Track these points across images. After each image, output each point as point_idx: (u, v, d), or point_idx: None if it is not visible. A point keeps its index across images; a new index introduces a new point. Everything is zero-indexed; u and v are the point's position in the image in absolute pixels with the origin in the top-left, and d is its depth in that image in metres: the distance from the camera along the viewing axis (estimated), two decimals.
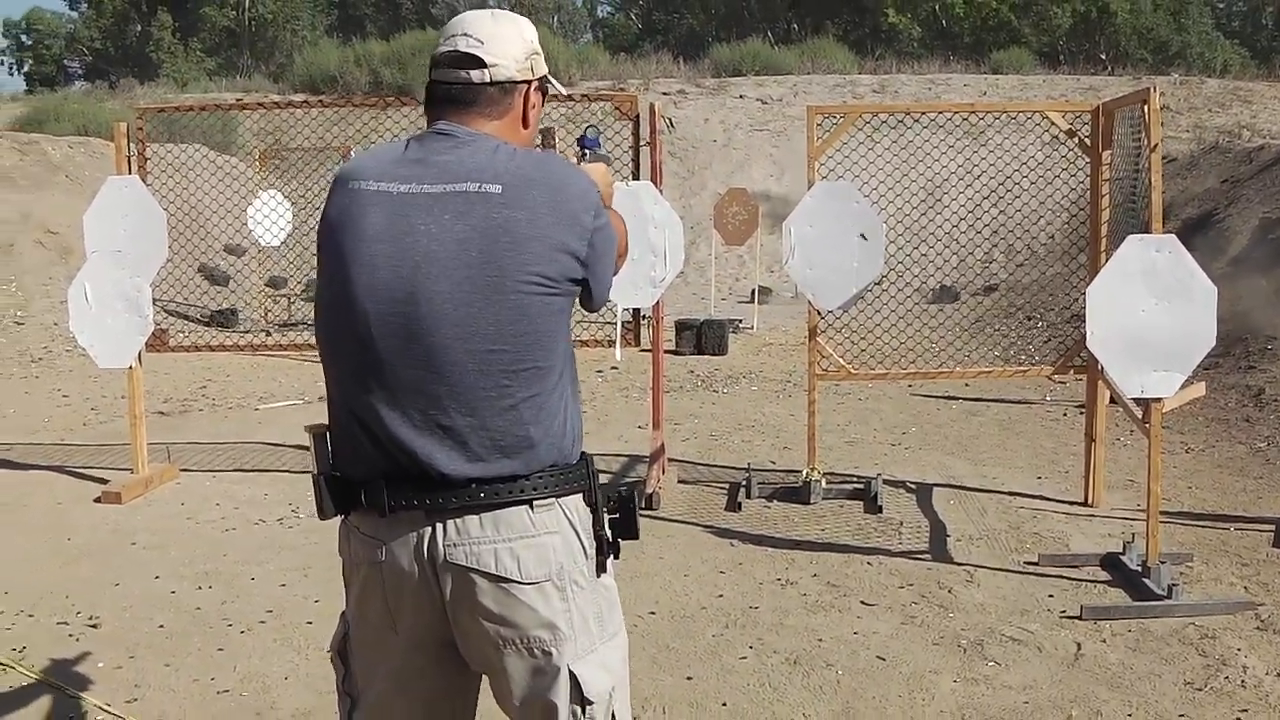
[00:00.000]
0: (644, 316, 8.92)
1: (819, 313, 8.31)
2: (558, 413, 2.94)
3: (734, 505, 8.21)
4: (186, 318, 16.66)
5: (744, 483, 8.50)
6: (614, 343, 8.65)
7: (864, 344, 10.44)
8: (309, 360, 14.08)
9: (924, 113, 10.16)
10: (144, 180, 9.09)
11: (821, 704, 5.22)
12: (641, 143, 8.76)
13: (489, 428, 2.85)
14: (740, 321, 16.80)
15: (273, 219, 14.82)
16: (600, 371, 13.59)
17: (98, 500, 8.64)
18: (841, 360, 8.62)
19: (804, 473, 8.36)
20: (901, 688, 5.38)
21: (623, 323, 8.60)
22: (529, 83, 3.10)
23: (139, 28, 59.34)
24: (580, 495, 2.98)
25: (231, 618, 6.33)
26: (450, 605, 2.88)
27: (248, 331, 16.39)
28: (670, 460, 8.86)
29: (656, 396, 8.77)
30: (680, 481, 8.80)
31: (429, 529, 2.87)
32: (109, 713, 5.25)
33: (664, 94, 27.48)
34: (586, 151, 3.56)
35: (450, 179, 2.90)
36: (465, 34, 3.06)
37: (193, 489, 8.95)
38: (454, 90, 3.04)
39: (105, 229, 8.90)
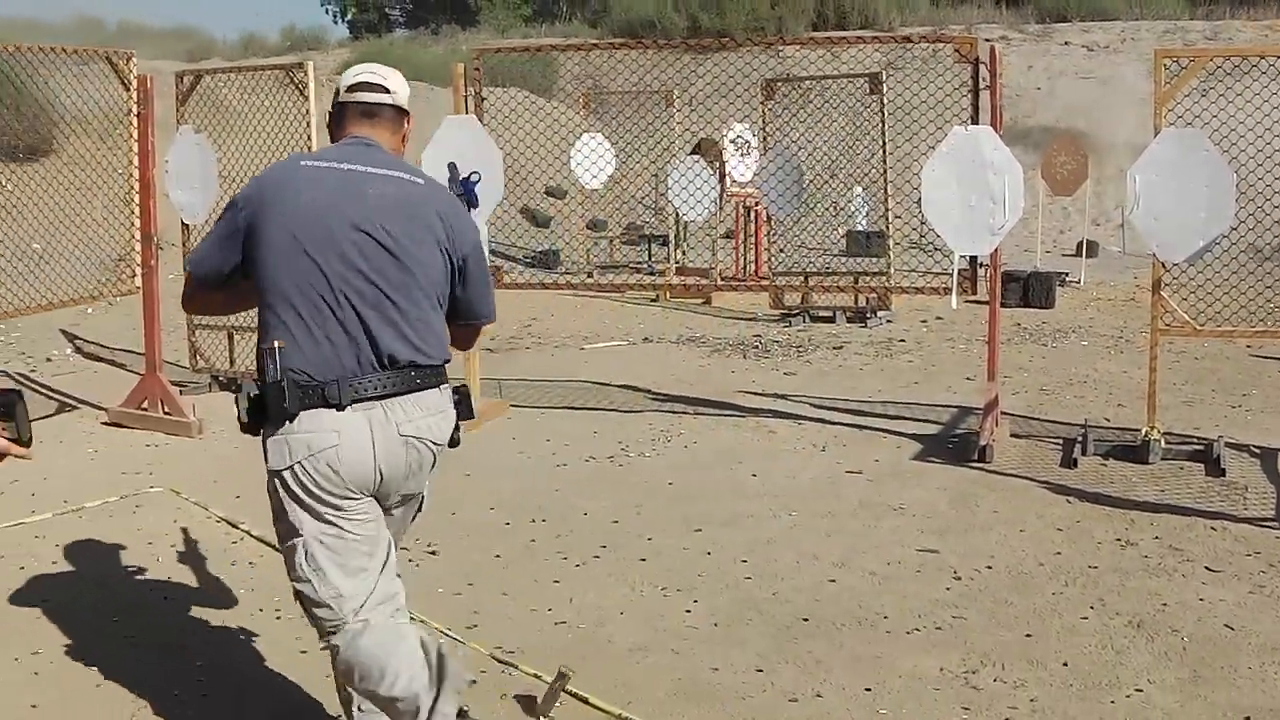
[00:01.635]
0: (981, 265, 8.70)
1: (1163, 265, 7.97)
2: (445, 328, 4.08)
3: (1069, 462, 7.95)
4: (510, 258, 16.97)
5: (1079, 439, 8.23)
6: (950, 290, 8.46)
7: (1203, 302, 10.00)
8: (631, 302, 14.23)
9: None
10: (480, 120, 9.22)
11: (1167, 670, 5.00)
12: (981, 86, 8.52)
13: (417, 329, 3.92)
14: (1067, 275, 16.32)
15: (594, 161, 14.91)
16: (925, 321, 13.38)
17: None
18: (1186, 316, 8.25)
19: (1142, 431, 8.05)
20: (1252, 659, 5.11)
21: (959, 270, 8.40)
22: (408, 115, 4.24)
23: None
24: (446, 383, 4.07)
25: (566, 551, 6.41)
26: (395, 464, 3.87)
27: (569, 272, 16.61)
28: (1003, 413, 8.65)
29: (993, 348, 8.56)
30: (1013, 435, 8.57)
31: (380, 410, 3.81)
32: (450, 636, 5.34)
33: (986, 40, 26.76)
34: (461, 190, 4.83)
35: (383, 167, 4.02)
36: (372, 72, 4.24)
37: (523, 424, 9.10)
38: (370, 106, 4.15)
39: (442, 167, 9.04)
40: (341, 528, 3.84)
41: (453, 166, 5.05)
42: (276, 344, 3.76)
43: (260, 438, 3.75)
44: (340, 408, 3.74)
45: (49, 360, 11.99)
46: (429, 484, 4.17)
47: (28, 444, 3.06)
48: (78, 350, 12.41)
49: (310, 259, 3.81)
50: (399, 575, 4.04)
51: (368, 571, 3.89)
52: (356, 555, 3.87)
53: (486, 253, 8.78)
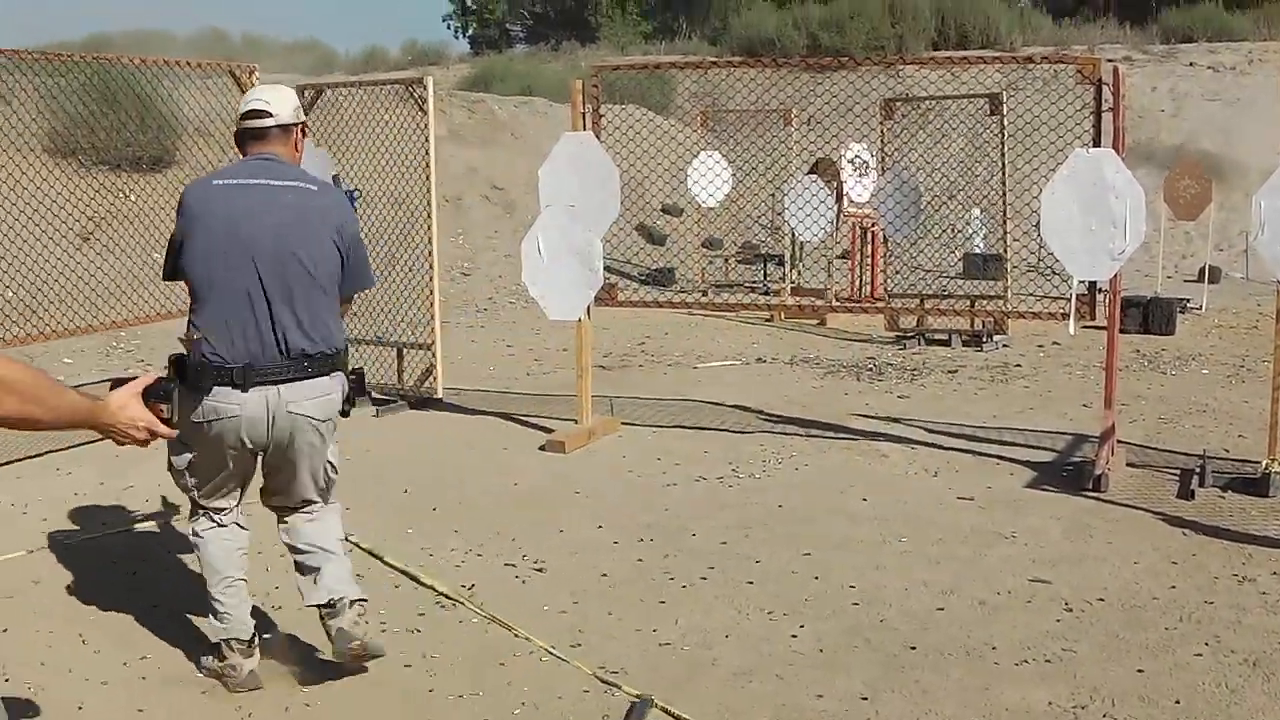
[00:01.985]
0: (1100, 290, 8.56)
1: None
2: (337, 320, 5.05)
3: (1186, 493, 7.76)
4: (624, 275, 16.97)
5: (1198, 470, 8.04)
6: (1067, 316, 8.33)
7: None
8: (745, 321, 14.17)
9: None
10: (598, 137, 9.22)
11: None
12: (1104, 107, 8.38)
13: (315, 325, 4.90)
14: (1188, 301, 16.03)
15: (711, 179, 14.89)
16: (1041, 346, 13.19)
17: (542, 448, 8.85)
18: None
19: (1263, 464, 7.85)
20: None
21: (1077, 295, 8.25)
22: (298, 125, 5.15)
23: None
24: (342, 371, 5.06)
25: (673, 571, 6.36)
26: (280, 433, 4.93)
27: (683, 290, 16.58)
28: (1119, 441, 8.48)
29: (1110, 375, 8.40)
30: (1129, 465, 8.40)
31: (275, 391, 4.84)
32: (553, 655, 5.32)
33: (1109, 60, 26.42)
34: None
35: (285, 179, 4.97)
36: (257, 99, 5.14)
37: (634, 442, 9.07)
38: (257, 130, 5.05)
39: (559, 183, 9.08)
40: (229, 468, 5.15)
41: (336, 179, 6.44)
42: (198, 335, 4.79)
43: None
44: (245, 389, 4.79)
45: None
46: (332, 449, 5.23)
47: (175, 427, 3.52)
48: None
49: (228, 266, 4.79)
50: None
51: (235, 494, 5.42)
52: (231, 482, 5.30)
53: (599, 266, 8.83)
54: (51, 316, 9.78)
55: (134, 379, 3.40)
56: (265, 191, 4.89)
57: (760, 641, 5.46)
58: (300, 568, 5.39)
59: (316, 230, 4.92)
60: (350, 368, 5.12)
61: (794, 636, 5.51)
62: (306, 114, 10.22)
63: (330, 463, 5.25)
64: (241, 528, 5.50)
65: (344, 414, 5.13)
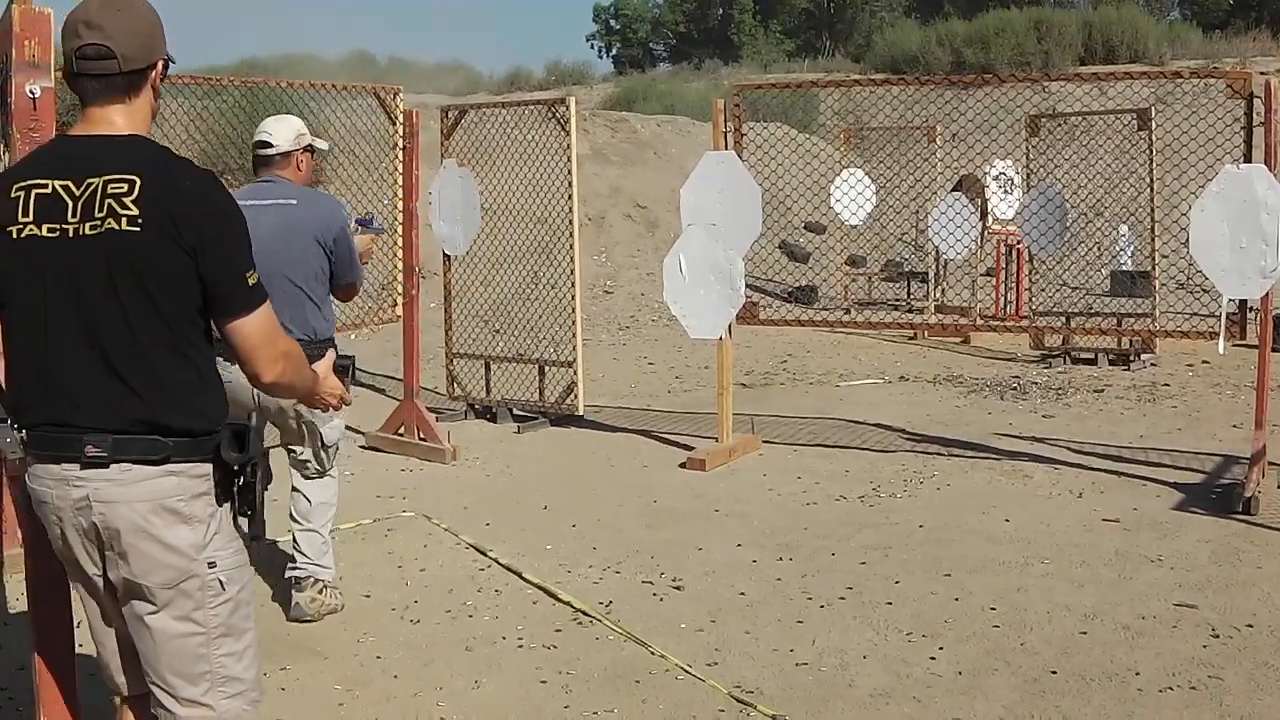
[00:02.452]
0: (1251, 309, 8.38)
1: None
2: (319, 314, 5.93)
3: None
4: (766, 293, 16.93)
5: None
6: (1217, 334, 8.16)
7: None
8: (888, 340, 14.07)
9: None
10: (740, 156, 9.21)
11: None
12: (1255, 122, 8.20)
13: (295, 317, 5.61)
14: None
15: (854, 197, 14.82)
16: (1190, 365, 12.94)
17: (682, 466, 8.86)
18: None
19: None
20: None
21: (1227, 314, 8.08)
22: (298, 150, 5.91)
23: (720, 11, 61.01)
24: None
25: (811, 591, 6.32)
26: (267, 404, 5.52)
27: (827, 308, 16.51)
28: (1270, 464, 8.28)
29: (1262, 395, 8.22)
30: None
31: None
32: (690, 673, 5.31)
33: (1261, 73, 25.86)
34: (359, 226, 6.57)
35: (273, 198, 5.77)
36: (262, 131, 5.94)
37: (774, 461, 9.05)
38: (264, 157, 5.92)
39: (701, 202, 9.09)
40: None
41: (369, 217, 7.15)
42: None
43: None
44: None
45: None
46: (335, 422, 5.94)
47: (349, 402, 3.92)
48: None
49: None
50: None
51: None
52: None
53: (740, 285, 8.81)
54: None
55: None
56: (251, 212, 5.14)
57: (898, 663, 5.40)
58: (291, 517, 6.19)
59: (293, 240, 5.73)
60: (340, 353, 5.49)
61: (933, 659, 5.44)
62: (449, 136, 10.49)
63: (322, 433, 5.95)
64: None
65: None
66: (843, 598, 6.21)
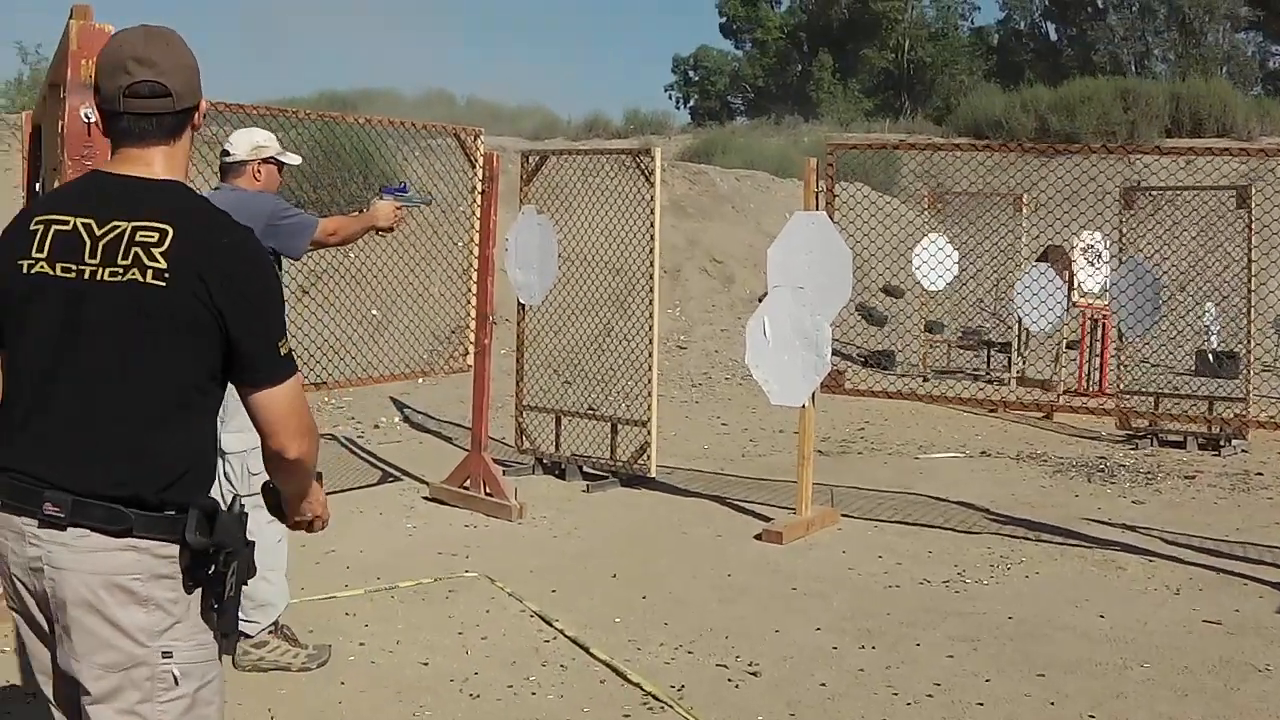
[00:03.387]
0: None
1: None
2: None
3: None
4: (844, 355, 16.58)
5: None
6: None
7: None
8: (969, 411, 13.65)
9: None
10: (831, 218, 8.87)
11: None
12: None
13: None
14: None
15: (936, 263, 14.48)
16: None
17: (758, 537, 8.49)
18: None
19: None
20: None
21: None
22: (253, 161, 6.02)
23: (799, 67, 60.91)
24: None
25: (896, 685, 5.92)
26: None
27: (904, 375, 16.12)
28: None
29: None
30: None
31: None
32: None
33: None
34: (384, 195, 6.73)
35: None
36: (227, 141, 6.09)
37: (854, 536, 8.66)
38: (222, 165, 6.09)
39: (788, 263, 8.75)
40: None
41: (403, 186, 7.05)
42: None
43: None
44: None
45: (377, 427, 12.10)
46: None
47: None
48: (405, 420, 12.49)
49: None
50: None
51: None
52: None
53: (827, 352, 8.45)
54: None
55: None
56: None
57: None
58: None
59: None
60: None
61: None
62: (529, 181, 10.21)
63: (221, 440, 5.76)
64: None
65: None
66: (930, 695, 5.81)
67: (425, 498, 9.36)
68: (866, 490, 10.05)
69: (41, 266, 2.84)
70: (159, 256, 2.77)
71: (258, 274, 2.88)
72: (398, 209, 6.64)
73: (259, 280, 2.87)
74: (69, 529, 2.80)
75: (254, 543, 3.05)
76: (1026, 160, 19.26)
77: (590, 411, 10.60)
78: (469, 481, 9.21)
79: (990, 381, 16.25)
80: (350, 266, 12.79)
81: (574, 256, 10.97)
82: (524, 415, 10.57)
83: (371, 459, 10.72)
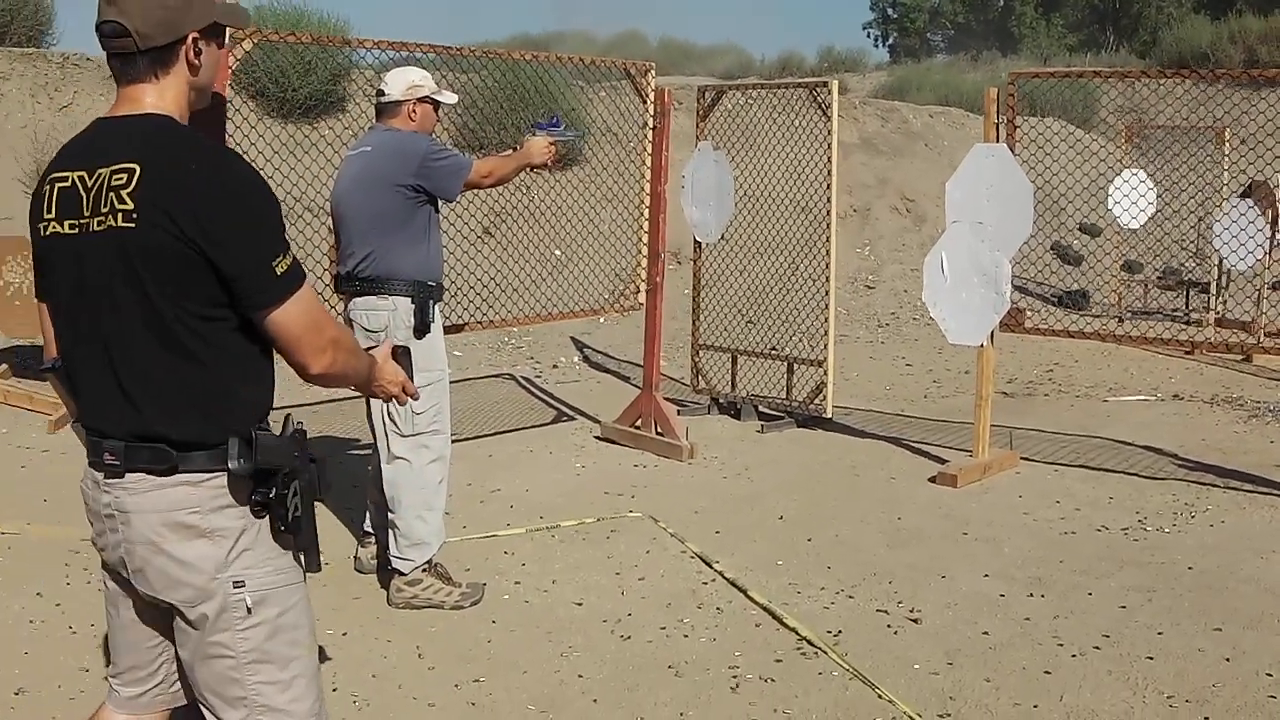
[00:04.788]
0: None
1: None
2: (393, 254, 5.96)
3: None
4: (1036, 295, 16.16)
5: None
6: None
7: None
8: (1164, 353, 13.20)
9: None
10: (1011, 150, 8.57)
11: None
12: None
13: (367, 258, 5.94)
14: None
15: (1134, 200, 13.97)
16: None
17: (932, 480, 8.28)
18: None
19: None
20: None
21: None
22: (409, 101, 6.02)
23: (1001, 2, 59.49)
24: (407, 297, 6.02)
25: (1063, 636, 5.70)
26: None
27: (1099, 316, 15.66)
28: None
29: None
30: None
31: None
32: None
33: None
34: (535, 130, 6.61)
35: (363, 146, 6.05)
36: (381, 80, 6.17)
37: (1032, 481, 8.39)
38: (380, 105, 6.08)
39: (967, 199, 8.48)
40: None
41: (555, 118, 6.91)
42: None
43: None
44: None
45: (555, 367, 12.08)
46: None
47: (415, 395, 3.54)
48: (585, 359, 12.46)
49: (335, 214, 6.14)
50: None
51: None
52: None
53: (1006, 290, 8.19)
54: (449, 309, 9.75)
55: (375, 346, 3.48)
56: (346, 162, 6.12)
57: None
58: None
59: (369, 188, 5.86)
60: (414, 300, 5.90)
61: None
62: (705, 117, 10.06)
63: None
64: None
65: (417, 334, 5.86)
66: (1098, 647, 5.58)
67: (597, 437, 9.31)
68: (1049, 433, 9.74)
69: (53, 227, 2.86)
70: (126, 198, 2.74)
71: (231, 198, 2.79)
72: (551, 144, 6.50)
73: (232, 204, 2.78)
74: (126, 474, 2.86)
75: (317, 459, 3.03)
76: (1233, 93, 18.58)
77: (767, 351, 10.43)
78: (640, 421, 9.13)
79: (1189, 323, 15.68)
80: (533, 206, 12.79)
81: (757, 195, 10.79)
82: (700, 355, 10.45)
83: (548, 398, 10.70)
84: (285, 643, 2.97)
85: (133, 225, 2.74)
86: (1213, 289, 15.50)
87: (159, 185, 2.74)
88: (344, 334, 3.07)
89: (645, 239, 9.31)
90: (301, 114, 14.17)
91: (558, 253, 13.40)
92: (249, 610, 2.90)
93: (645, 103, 9.21)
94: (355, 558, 6.39)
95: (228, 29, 3.02)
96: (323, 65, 14.92)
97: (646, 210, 9.27)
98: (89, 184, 2.80)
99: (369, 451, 6.43)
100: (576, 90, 15.43)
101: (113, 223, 2.75)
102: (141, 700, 3.17)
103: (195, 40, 2.88)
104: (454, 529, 6.49)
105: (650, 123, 9.19)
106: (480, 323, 9.05)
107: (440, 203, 6.04)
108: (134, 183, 2.74)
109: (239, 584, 2.89)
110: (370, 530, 6.35)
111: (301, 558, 3.03)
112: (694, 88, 11.61)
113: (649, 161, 9.34)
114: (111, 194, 2.76)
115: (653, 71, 9.26)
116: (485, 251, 11.79)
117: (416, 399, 3.56)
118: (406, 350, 3.51)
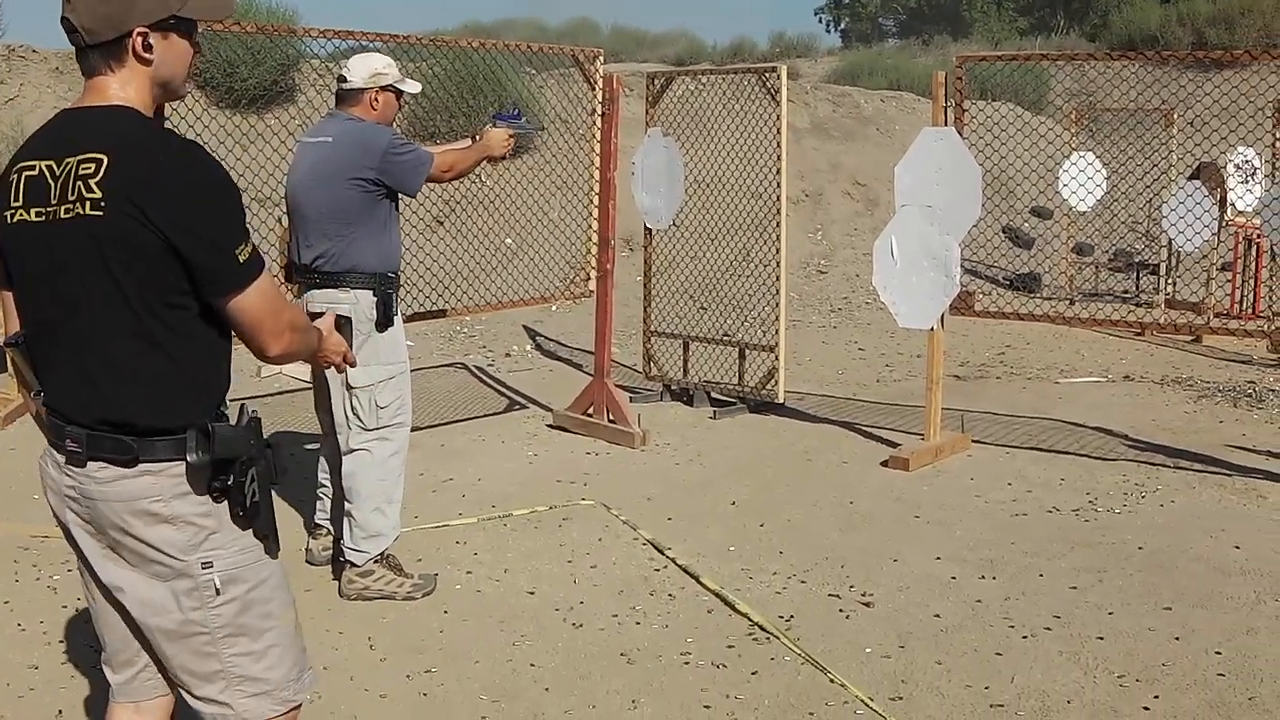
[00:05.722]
0: None
1: None
2: (351, 247, 5.83)
3: None
4: (988, 279, 16.22)
5: None
6: None
7: None
8: (1115, 335, 13.28)
9: None
10: (960, 133, 8.58)
11: None
12: None
13: (327, 252, 5.81)
14: None
15: (1083, 182, 14.02)
16: None
17: (884, 464, 8.30)
18: None
19: None
20: None
21: None
22: (371, 89, 5.88)
23: None
24: (369, 289, 5.93)
25: (1014, 618, 5.72)
26: None
27: (1050, 298, 15.73)
28: None
29: None
30: None
31: None
32: (870, 708, 4.80)
33: None
34: (495, 121, 6.46)
35: (320, 135, 5.92)
36: (342, 67, 5.96)
37: (984, 463, 8.42)
38: (339, 91, 5.96)
39: (916, 182, 8.49)
40: None
41: (516, 110, 6.78)
42: None
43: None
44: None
45: (508, 355, 12.05)
46: (374, 369, 5.85)
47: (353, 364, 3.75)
48: (537, 348, 12.44)
49: (292, 208, 5.96)
50: None
51: None
52: None
53: (956, 273, 8.21)
54: (401, 299, 9.73)
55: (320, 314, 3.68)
56: (300, 150, 5.98)
57: (1106, 711, 4.79)
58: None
59: (327, 180, 5.74)
60: (376, 293, 5.83)
61: (1146, 709, 4.82)
62: (655, 104, 10.04)
63: (348, 375, 5.62)
64: None
65: (379, 327, 5.82)
66: (1048, 628, 5.61)
67: (549, 425, 9.29)
68: (1001, 415, 9.78)
69: (20, 215, 2.90)
70: (95, 187, 2.79)
71: (196, 188, 2.84)
72: (510, 136, 6.47)
73: (198, 194, 2.84)
74: (88, 463, 2.92)
75: (272, 447, 3.11)
76: (1181, 74, 18.71)
77: (719, 337, 10.43)
78: (592, 409, 9.12)
79: (1139, 304, 15.75)
80: (485, 195, 12.75)
81: (708, 181, 10.79)
82: (652, 341, 10.44)
83: (500, 387, 10.68)
84: (257, 615, 3.09)
85: (100, 214, 2.78)
86: (1162, 270, 15.57)
87: (126, 175, 2.79)
88: (298, 315, 3.18)
89: (596, 226, 9.29)
90: (249, 104, 14.07)
91: (509, 241, 13.38)
92: (217, 591, 3.00)
93: (594, 89, 9.19)
94: (306, 549, 6.35)
95: (198, 22, 3.04)
96: (271, 55, 14.83)
97: (597, 197, 9.25)
98: (57, 173, 2.84)
99: (319, 444, 6.41)
100: (526, 78, 15.40)
101: (80, 211, 2.79)
102: (134, 686, 3.25)
103: (144, 36, 2.89)
104: (406, 518, 6.44)
105: (599, 109, 9.17)
106: (432, 313, 9.01)
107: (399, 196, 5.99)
108: (102, 172, 2.79)
109: (207, 565, 2.98)
110: (321, 523, 6.32)
111: (263, 540, 3.11)
112: (644, 74, 11.60)
113: (591, 148, 9.32)
114: (79, 183, 2.80)
115: (601, 58, 9.26)
116: (435, 240, 11.75)
117: (354, 366, 3.79)
118: (348, 320, 3.70)
